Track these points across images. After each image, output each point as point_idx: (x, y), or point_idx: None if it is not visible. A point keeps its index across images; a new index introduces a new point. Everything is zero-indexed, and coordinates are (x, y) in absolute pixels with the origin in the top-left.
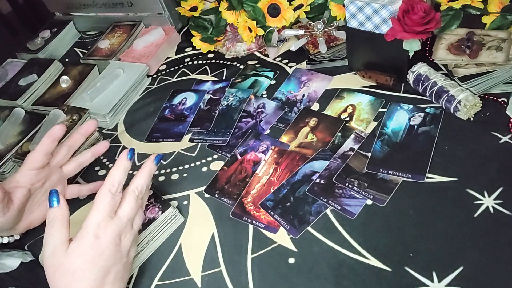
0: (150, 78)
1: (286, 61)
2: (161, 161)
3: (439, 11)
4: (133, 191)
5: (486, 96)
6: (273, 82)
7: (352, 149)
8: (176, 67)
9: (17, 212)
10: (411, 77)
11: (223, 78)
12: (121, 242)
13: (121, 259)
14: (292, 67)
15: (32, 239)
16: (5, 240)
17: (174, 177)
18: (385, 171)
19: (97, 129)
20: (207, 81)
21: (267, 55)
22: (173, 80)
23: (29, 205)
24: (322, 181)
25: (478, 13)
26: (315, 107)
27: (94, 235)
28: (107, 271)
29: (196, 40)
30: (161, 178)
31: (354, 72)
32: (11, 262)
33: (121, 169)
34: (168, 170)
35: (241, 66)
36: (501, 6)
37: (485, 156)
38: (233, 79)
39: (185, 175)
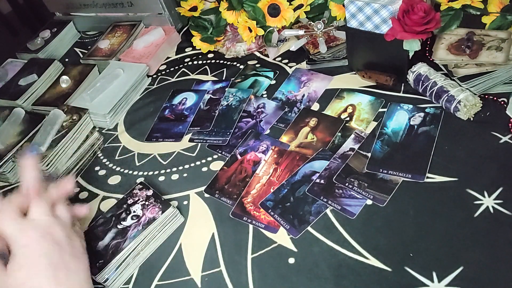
0: (150, 78)
1: (286, 61)
2: (154, 155)
3: (439, 11)
4: (29, 190)
5: (486, 96)
6: (273, 82)
7: (352, 149)
8: (176, 67)
9: None
10: (411, 77)
11: (223, 78)
12: (52, 236)
13: (64, 251)
14: (292, 67)
15: None
16: None
17: (174, 177)
18: (385, 171)
19: (97, 128)
20: (207, 81)
21: (267, 55)
22: (173, 80)
23: None
24: (322, 181)
25: (478, 13)
26: (315, 107)
27: (21, 245)
28: (55, 268)
29: (196, 40)
30: (161, 178)
31: (354, 72)
32: None
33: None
34: (168, 170)
35: (241, 66)
36: (501, 6)
37: (485, 156)
38: (233, 79)
39: (185, 175)
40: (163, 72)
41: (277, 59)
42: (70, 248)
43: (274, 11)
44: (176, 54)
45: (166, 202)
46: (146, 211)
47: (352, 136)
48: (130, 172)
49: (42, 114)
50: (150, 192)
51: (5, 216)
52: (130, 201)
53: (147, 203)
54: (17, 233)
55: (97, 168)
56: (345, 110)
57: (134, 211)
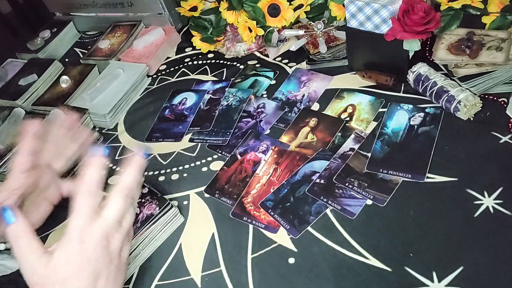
0: (150, 78)
1: (286, 61)
2: (154, 155)
3: (439, 11)
4: (120, 189)
5: (486, 96)
6: (273, 82)
7: (352, 149)
8: (176, 67)
9: None
10: (411, 77)
11: (223, 78)
12: (109, 244)
13: (112, 261)
14: (292, 67)
15: None
16: (2, 247)
17: (174, 177)
18: (385, 171)
19: (97, 128)
20: (207, 81)
21: (267, 55)
22: (173, 80)
23: (25, 209)
24: (322, 181)
25: (478, 13)
26: (315, 107)
27: (79, 240)
28: (97, 276)
29: (196, 40)
30: (161, 178)
31: (354, 72)
32: (12, 263)
33: (95, 168)
34: (168, 170)
35: (241, 66)
36: (501, 6)
37: (485, 156)
38: (233, 79)
39: (185, 175)
40: (163, 72)
41: (277, 59)
42: (118, 260)
43: (274, 11)
44: (176, 54)
45: (162, 198)
46: (143, 208)
47: (352, 136)
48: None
49: (42, 114)
50: (145, 190)
51: (80, 212)
52: None
53: (143, 200)
54: (81, 226)
55: None
56: (345, 110)
57: None
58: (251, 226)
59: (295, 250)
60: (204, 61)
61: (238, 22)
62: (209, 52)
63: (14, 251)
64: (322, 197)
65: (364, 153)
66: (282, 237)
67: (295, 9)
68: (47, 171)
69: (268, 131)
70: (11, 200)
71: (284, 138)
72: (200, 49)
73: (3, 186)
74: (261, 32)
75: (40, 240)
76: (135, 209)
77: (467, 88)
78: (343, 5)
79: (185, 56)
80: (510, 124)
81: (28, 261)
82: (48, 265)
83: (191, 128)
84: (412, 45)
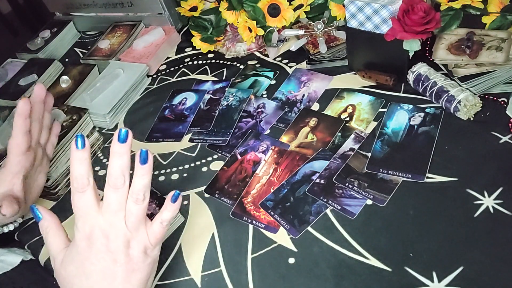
0: (150, 78)
1: (286, 61)
2: (154, 156)
3: (439, 11)
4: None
5: (486, 96)
6: (273, 82)
7: (352, 149)
8: (176, 67)
9: (22, 203)
10: (411, 77)
11: (223, 78)
12: (109, 242)
13: (116, 260)
14: (292, 67)
15: (33, 238)
16: (11, 227)
17: (174, 177)
18: (385, 171)
19: (97, 129)
20: (207, 81)
21: (267, 55)
22: (173, 80)
23: (27, 186)
24: (322, 181)
25: (478, 13)
26: (315, 107)
27: (81, 238)
28: (100, 275)
29: (196, 40)
30: (161, 178)
31: (354, 72)
32: (12, 259)
33: (77, 163)
34: (168, 170)
35: (241, 66)
36: (501, 6)
37: (485, 156)
38: (233, 79)
39: (185, 175)
40: (163, 72)
41: (277, 59)
42: (125, 258)
43: (274, 11)
44: (176, 54)
45: (162, 198)
46: None
47: (352, 136)
48: (130, 172)
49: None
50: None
51: (85, 209)
52: None
53: None
54: (81, 225)
55: (97, 168)
56: (345, 110)
57: None
58: (251, 226)
59: (295, 250)
60: (204, 61)
61: (238, 22)
62: (209, 52)
63: (45, 243)
64: (322, 197)
65: (364, 153)
66: (282, 237)
67: (295, 9)
68: (39, 147)
69: (268, 131)
70: (17, 185)
71: (284, 138)
72: (200, 49)
73: (6, 172)
74: (261, 32)
75: (65, 235)
76: (139, 206)
77: (467, 88)
78: (343, 5)
79: (185, 56)
80: (510, 124)
81: (53, 251)
82: (61, 262)
83: (191, 128)
84: (412, 45)
